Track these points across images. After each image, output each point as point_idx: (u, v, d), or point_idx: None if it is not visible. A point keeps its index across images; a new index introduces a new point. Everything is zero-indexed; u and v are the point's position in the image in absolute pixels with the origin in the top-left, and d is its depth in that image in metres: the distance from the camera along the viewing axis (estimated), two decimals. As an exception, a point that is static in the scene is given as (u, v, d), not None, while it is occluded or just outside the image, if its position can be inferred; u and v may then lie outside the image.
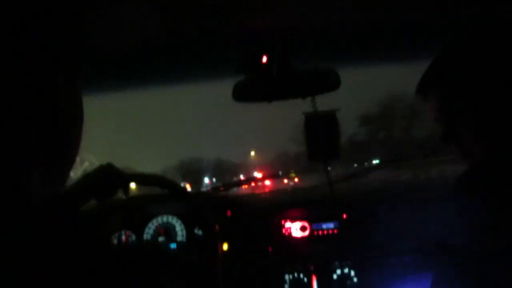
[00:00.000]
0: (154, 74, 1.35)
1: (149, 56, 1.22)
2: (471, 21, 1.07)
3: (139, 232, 1.69)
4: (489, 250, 0.61)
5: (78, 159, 0.52)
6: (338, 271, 1.40)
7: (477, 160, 0.74)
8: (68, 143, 0.49)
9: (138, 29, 1.01)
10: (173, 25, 1.05)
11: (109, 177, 1.09)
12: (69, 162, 0.50)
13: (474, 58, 0.72)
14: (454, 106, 0.74)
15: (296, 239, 1.45)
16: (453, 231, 0.70)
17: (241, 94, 1.25)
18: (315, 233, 1.46)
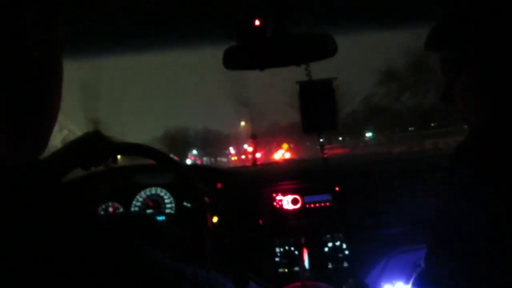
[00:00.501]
0: (140, 37, 1.27)
1: (134, 17, 1.14)
2: None
3: (127, 204, 1.66)
4: (482, 224, 0.59)
5: (57, 126, 0.47)
6: (330, 244, 1.39)
7: (475, 124, 0.72)
8: (43, 101, 0.44)
9: None
10: None
11: (97, 145, 1.04)
12: (47, 125, 0.45)
13: (482, 16, 0.68)
14: (459, 64, 0.71)
15: (287, 211, 1.43)
16: (447, 204, 0.68)
17: (232, 61, 1.18)
18: (307, 206, 1.43)
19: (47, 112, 0.45)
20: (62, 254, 0.35)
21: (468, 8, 0.72)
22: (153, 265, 0.40)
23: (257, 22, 1.07)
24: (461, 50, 0.73)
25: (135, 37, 1.26)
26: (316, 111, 1.24)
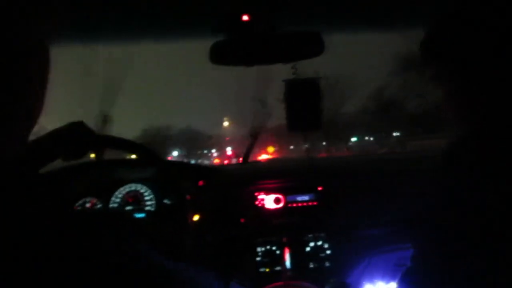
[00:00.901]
0: (121, 29, 1.23)
1: (118, 9, 1.10)
2: None
3: (106, 200, 1.61)
4: (468, 226, 0.59)
5: None
6: (312, 244, 1.39)
7: (465, 130, 0.72)
8: (28, 94, 0.42)
9: None
10: None
11: (80, 136, 1.00)
12: (30, 119, 0.43)
13: (470, 23, 0.68)
14: (451, 73, 0.71)
15: (269, 211, 1.42)
16: (430, 205, 0.68)
17: (219, 56, 1.16)
18: (290, 205, 1.42)
19: (32, 104, 0.43)
20: (35, 249, 0.34)
21: (449, 22, 0.72)
22: (149, 264, 0.39)
23: (245, 17, 1.05)
24: (443, 65, 0.73)
25: (120, 28, 1.22)
26: (302, 110, 1.23)
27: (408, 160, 1.66)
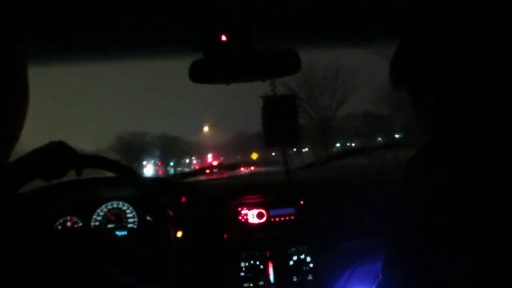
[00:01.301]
0: (100, 49, 1.24)
1: (99, 26, 1.12)
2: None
3: (87, 218, 1.60)
4: (436, 235, 0.61)
5: None
6: (294, 257, 1.40)
7: (432, 137, 0.74)
8: (9, 114, 0.42)
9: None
10: None
11: (60, 156, 1.00)
12: (10, 138, 0.43)
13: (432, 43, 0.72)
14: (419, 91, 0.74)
15: (252, 225, 1.43)
16: (402, 214, 0.69)
17: (198, 75, 1.18)
18: (272, 219, 1.44)
19: (12, 123, 0.43)
20: (12, 269, 0.34)
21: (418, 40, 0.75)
22: (112, 285, 0.39)
23: (223, 38, 1.08)
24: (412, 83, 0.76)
25: (100, 48, 1.24)
26: (278, 125, 1.26)
27: (385, 172, 1.70)
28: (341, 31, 1.26)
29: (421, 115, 0.77)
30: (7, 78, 0.41)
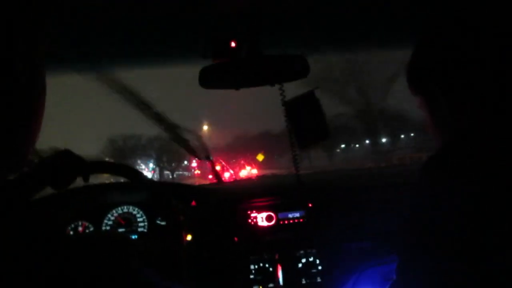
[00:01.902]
0: (113, 56, 1.27)
1: (109, 34, 1.15)
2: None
3: (98, 223, 1.62)
4: (453, 236, 0.61)
5: None
6: (303, 260, 1.41)
7: (452, 137, 0.75)
8: (28, 124, 0.44)
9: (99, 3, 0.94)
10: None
11: (68, 164, 1.03)
12: (29, 146, 0.45)
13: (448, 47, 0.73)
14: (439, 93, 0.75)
15: (262, 228, 1.44)
16: (416, 215, 0.70)
17: (208, 80, 1.21)
18: (281, 222, 1.45)
19: (31, 132, 0.45)
20: (28, 274, 0.35)
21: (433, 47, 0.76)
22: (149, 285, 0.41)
23: (233, 44, 1.10)
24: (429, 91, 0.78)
25: (113, 55, 1.26)
26: (307, 126, 1.27)
27: (392, 174, 1.71)
28: (347, 35, 1.28)
29: (437, 118, 0.78)
30: (30, 79, 0.43)
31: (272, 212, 1.46)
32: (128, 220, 1.64)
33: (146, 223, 1.62)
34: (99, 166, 1.21)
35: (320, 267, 1.41)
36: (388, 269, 1.37)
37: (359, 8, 1.07)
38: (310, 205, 1.47)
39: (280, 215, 1.46)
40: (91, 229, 1.62)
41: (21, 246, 0.37)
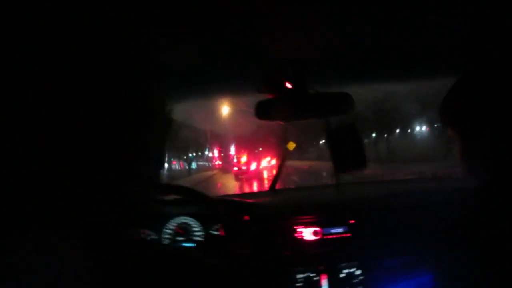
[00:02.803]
0: (187, 91, 1.46)
1: (187, 75, 1.33)
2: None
3: (158, 231, 1.81)
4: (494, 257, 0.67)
5: None
6: (346, 271, 1.55)
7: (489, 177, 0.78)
8: (161, 148, 0.57)
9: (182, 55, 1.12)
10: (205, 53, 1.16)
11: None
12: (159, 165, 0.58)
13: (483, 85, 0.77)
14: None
15: (308, 242, 1.59)
16: (455, 233, 0.76)
17: (264, 113, 1.36)
18: (325, 237, 1.60)
19: (162, 155, 0.58)
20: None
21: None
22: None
23: (288, 85, 1.25)
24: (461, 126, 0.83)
25: (186, 90, 1.46)
26: (347, 154, 1.39)
27: (429, 192, 1.80)
28: (388, 71, 1.40)
29: (470, 153, 0.82)
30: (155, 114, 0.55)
31: (318, 227, 1.60)
32: (185, 230, 1.82)
33: (202, 233, 1.80)
34: (162, 188, 1.40)
35: (361, 277, 1.55)
36: (422, 281, 1.48)
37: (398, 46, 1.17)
38: (351, 221, 1.60)
39: (325, 230, 1.59)
40: (152, 237, 1.82)
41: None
